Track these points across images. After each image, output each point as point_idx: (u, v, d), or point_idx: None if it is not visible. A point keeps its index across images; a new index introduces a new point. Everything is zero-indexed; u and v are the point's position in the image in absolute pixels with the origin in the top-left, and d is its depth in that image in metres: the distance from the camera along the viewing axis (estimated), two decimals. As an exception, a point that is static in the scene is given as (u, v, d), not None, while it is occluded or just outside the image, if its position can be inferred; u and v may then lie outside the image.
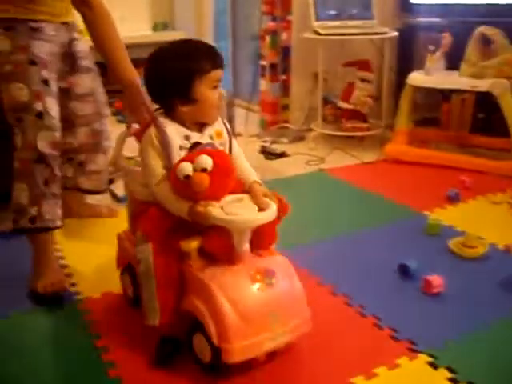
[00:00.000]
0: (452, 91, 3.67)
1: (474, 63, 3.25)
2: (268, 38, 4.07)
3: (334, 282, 2.11)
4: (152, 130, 1.65)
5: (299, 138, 4.04)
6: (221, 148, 1.70)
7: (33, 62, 2.02)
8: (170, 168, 1.60)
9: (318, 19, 3.78)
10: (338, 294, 2.04)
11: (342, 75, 4.01)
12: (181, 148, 1.64)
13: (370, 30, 3.78)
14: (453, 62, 3.39)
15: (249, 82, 4.59)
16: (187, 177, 1.52)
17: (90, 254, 2.36)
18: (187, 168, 1.53)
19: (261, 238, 1.64)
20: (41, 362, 1.72)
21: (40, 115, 2.02)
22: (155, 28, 5.05)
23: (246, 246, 1.59)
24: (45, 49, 2.07)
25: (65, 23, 2.19)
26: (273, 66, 4.12)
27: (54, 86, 2.10)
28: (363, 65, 3.86)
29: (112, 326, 1.87)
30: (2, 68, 2.01)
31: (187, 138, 1.66)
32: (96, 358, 1.72)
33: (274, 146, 3.84)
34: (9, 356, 1.75)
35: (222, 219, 1.51)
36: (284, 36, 4.04)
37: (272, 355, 1.65)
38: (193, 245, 1.58)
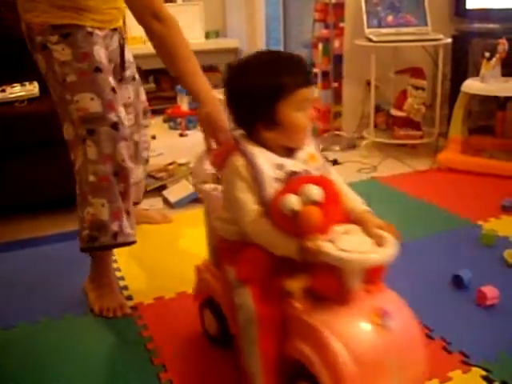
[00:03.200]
0: (507, 99, 3.60)
1: (532, 70, 3.19)
2: (320, 46, 4.07)
3: (385, 291, 2.09)
4: (238, 159, 1.44)
5: (351, 145, 4.02)
6: (317, 174, 1.48)
7: (98, 69, 1.94)
8: (263, 203, 1.41)
9: (370, 26, 3.76)
10: (390, 303, 2.02)
11: (394, 83, 3.98)
12: (276, 180, 1.42)
13: (423, 37, 3.74)
14: (509, 69, 3.32)
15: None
16: (295, 212, 1.32)
17: (142, 259, 2.39)
18: (294, 202, 1.33)
19: (370, 272, 1.41)
20: (92, 365, 1.76)
21: (115, 126, 1.94)
22: (208, 36, 5.10)
23: (358, 285, 1.39)
24: (104, 54, 2.00)
25: (114, 29, 2.13)
26: (325, 74, 4.11)
27: (119, 93, 2.04)
28: (416, 72, 3.82)
29: (163, 331, 1.90)
30: (66, 78, 1.93)
31: (280, 167, 1.44)
32: (147, 362, 1.74)
33: (326, 154, 3.83)
34: (62, 359, 1.79)
35: (337, 257, 1.29)
36: (336, 43, 4.03)
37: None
38: (299, 284, 1.37)
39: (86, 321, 2.00)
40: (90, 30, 1.96)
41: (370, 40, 3.68)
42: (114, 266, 2.33)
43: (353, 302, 1.38)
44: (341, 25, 4.00)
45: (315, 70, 4.15)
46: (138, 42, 4.34)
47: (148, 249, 2.50)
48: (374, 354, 1.33)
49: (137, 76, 2.40)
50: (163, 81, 5.07)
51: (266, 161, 1.43)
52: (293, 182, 1.40)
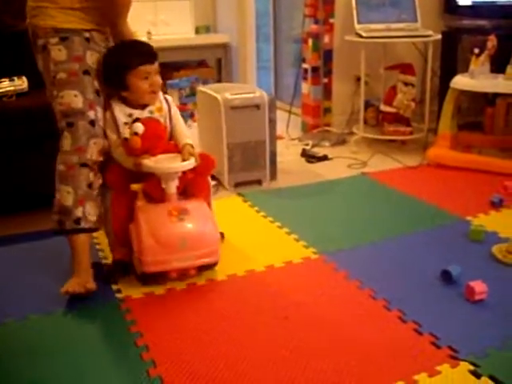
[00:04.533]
0: (496, 95, 3.61)
1: (521, 66, 3.20)
2: (310, 41, 4.07)
3: (373, 286, 2.10)
4: (108, 112, 2.17)
5: (341, 141, 4.02)
6: (161, 119, 2.21)
7: (86, 72, 2.12)
8: (119, 138, 2.14)
9: (360, 22, 3.76)
10: (378, 298, 2.03)
11: (384, 78, 3.98)
12: (126, 124, 2.14)
13: (413, 33, 3.75)
14: (498, 65, 3.33)
15: (290, 84, 4.59)
16: (126, 139, 2.09)
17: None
18: (126, 133, 2.11)
19: (193, 188, 2.25)
20: (81, 362, 1.75)
21: (92, 123, 2.11)
22: (198, 31, 5.09)
23: (173, 190, 2.13)
24: (96, 59, 2.17)
25: (105, 32, 2.26)
26: (315, 69, 4.11)
27: (102, 97, 2.19)
28: (406, 68, 3.83)
29: (153, 326, 1.89)
30: (57, 75, 2.10)
31: (130, 115, 2.16)
32: (137, 357, 1.74)
33: (316, 150, 3.84)
34: (51, 355, 1.78)
35: (150, 167, 2.08)
36: (326, 39, 4.03)
37: (183, 276, 2.14)
38: (136, 186, 2.12)
39: (74, 317, 1.99)
40: (87, 35, 2.15)
41: (360, 36, 3.68)
42: (105, 261, 2.33)
43: (167, 201, 2.14)
44: (331, 20, 4.00)
45: (305, 66, 4.15)
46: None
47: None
48: (167, 233, 2.08)
49: None
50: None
51: (121, 111, 2.18)
52: (132, 123, 2.11)
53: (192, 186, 2.24)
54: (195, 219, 2.13)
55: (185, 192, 2.23)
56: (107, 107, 2.17)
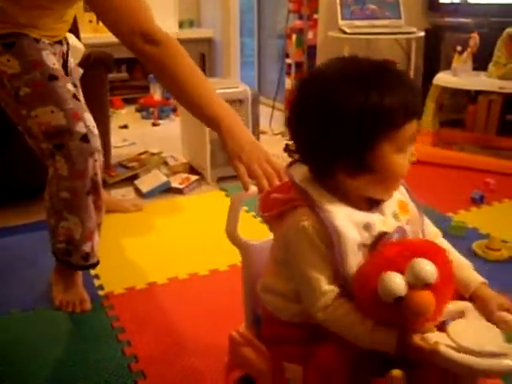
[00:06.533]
0: (478, 92, 3.64)
1: (503, 64, 3.22)
2: (294, 37, 4.07)
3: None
4: (307, 218, 1.04)
5: (324, 137, 4.02)
6: (409, 231, 1.12)
7: (53, 77, 1.76)
8: (343, 279, 1.03)
9: (344, 18, 3.77)
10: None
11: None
12: (361, 246, 1.04)
13: (396, 30, 3.77)
14: (480, 62, 3.36)
15: (274, 80, 4.59)
16: (399, 299, 0.95)
17: (113, 249, 2.38)
18: (400, 285, 0.95)
19: None
20: (64, 357, 1.74)
21: (85, 138, 1.75)
22: (181, 25, 5.07)
23: None
24: (55, 60, 1.83)
25: (59, 41, 1.95)
26: (298, 65, 4.12)
27: (81, 98, 1.88)
28: (389, 64, 3.84)
29: (135, 321, 1.89)
30: (19, 92, 1.73)
31: (367, 227, 1.05)
32: (119, 353, 1.73)
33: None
34: (33, 350, 1.77)
35: (461, 363, 0.92)
36: (310, 35, 4.03)
37: None
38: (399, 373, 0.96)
39: (56, 312, 1.97)
40: (36, 36, 1.78)
41: (344, 32, 3.69)
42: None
43: None
44: (315, 16, 4.01)
45: (288, 61, 4.16)
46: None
47: (119, 238, 2.48)
48: None
49: (78, 83, 2.14)
50: (136, 70, 5.02)
51: (347, 219, 1.04)
52: (387, 250, 1.00)
53: None
54: None
55: None
56: (298, 206, 1.07)
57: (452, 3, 4.07)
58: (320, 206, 1.03)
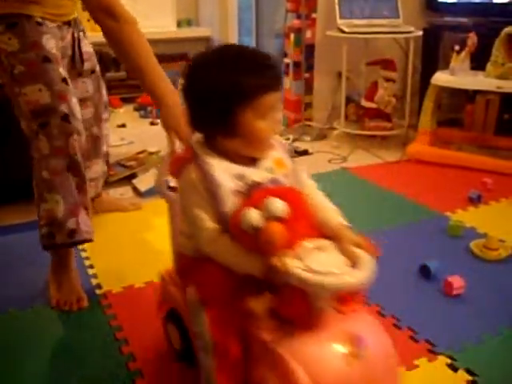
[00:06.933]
0: (476, 92, 3.64)
1: (501, 64, 3.22)
2: (292, 36, 4.06)
3: (353, 281, 2.11)
4: (193, 171, 1.31)
5: (322, 136, 4.03)
6: (285, 182, 1.36)
7: (47, 59, 1.86)
8: (222, 219, 1.28)
9: (342, 17, 3.77)
10: (358, 293, 2.04)
11: (365, 74, 4.00)
12: (236, 193, 1.29)
13: (395, 29, 3.76)
14: (478, 62, 3.36)
15: (272, 79, 4.58)
16: (256, 229, 1.18)
17: (111, 248, 2.38)
18: (256, 218, 1.19)
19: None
20: (61, 356, 1.75)
21: (66, 118, 1.86)
22: (179, 24, 5.07)
23: (327, 307, 1.25)
24: (54, 44, 1.91)
25: (67, 22, 2.05)
26: (296, 64, 4.11)
27: (71, 85, 1.95)
28: (387, 64, 3.84)
29: (132, 320, 1.89)
30: (13, 70, 1.85)
31: (241, 177, 1.30)
32: (117, 352, 1.73)
33: (297, 144, 3.84)
34: (30, 349, 1.77)
35: (306, 279, 1.15)
36: (308, 34, 4.03)
37: None
38: (263, 305, 1.23)
39: (54, 311, 1.97)
40: (39, 20, 1.88)
41: (342, 31, 3.69)
42: (83, 254, 2.32)
43: (323, 326, 1.23)
44: (313, 15, 4.00)
45: (287, 61, 4.15)
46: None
47: (117, 237, 2.49)
48: None
49: (97, 68, 2.31)
50: (134, 69, 5.02)
51: (225, 171, 1.30)
52: (255, 194, 1.26)
53: None
54: (378, 355, 1.26)
55: None
56: (190, 162, 1.33)
57: (450, 2, 4.07)
58: (204, 162, 1.30)
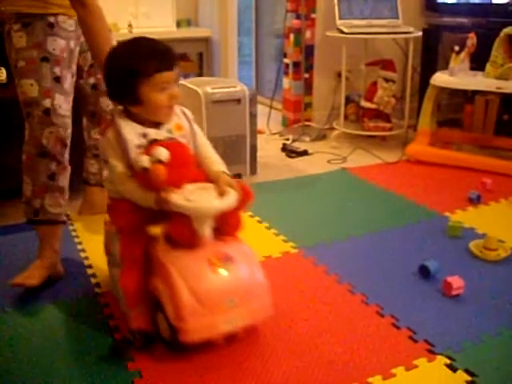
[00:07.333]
0: (475, 92, 3.64)
1: (500, 64, 3.22)
2: (292, 36, 4.07)
3: (352, 280, 2.11)
4: (110, 131, 1.72)
5: (321, 136, 4.04)
6: (182, 140, 1.75)
7: (45, 59, 2.06)
8: (130, 166, 1.68)
9: (342, 17, 3.77)
10: (356, 292, 2.04)
11: (365, 74, 4.00)
12: (139, 147, 1.68)
13: (394, 30, 3.76)
14: (477, 62, 3.36)
15: (272, 79, 4.59)
16: (145, 169, 1.59)
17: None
18: (144, 160, 1.60)
19: (225, 225, 1.70)
20: (58, 355, 1.74)
21: (47, 112, 2.05)
22: (179, 24, 5.06)
23: (208, 232, 1.64)
24: (60, 45, 2.10)
25: (74, 17, 2.15)
26: (296, 64, 4.12)
27: (66, 84, 2.13)
28: (387, 64, 3.84)
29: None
30: (17, 64, 2.07)
31: (144, 135, 1.71)
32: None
33: (296, 144, 3.85)
34: (27, 347, 1.77)
35: (180, 205, 1.57)
36: (308, 34, 4.04)
37: (232, 339, 1.70)
38: (157, 229, 1.72)
39: (51, 309, 1.97)
40: (51, 20, 2.08)
41: (342, 31, 3.69)
42: (82, 254, 2.32)
43: (202, 246, 1.64)
44: (313, 16, 4.01)
45: (286, 61, 4.16)
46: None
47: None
48: (211, 290, 1.59)
49: None
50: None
51: (131, 131, 1.70)
52: (150, 146, 1.66)
53: (224, 222, 1.69)
54: (242, 268, 1.66)
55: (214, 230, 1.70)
56: (110, 125, 1.74)
57: (449, 3, 4.07)
58: (117, 125, 1.70)
